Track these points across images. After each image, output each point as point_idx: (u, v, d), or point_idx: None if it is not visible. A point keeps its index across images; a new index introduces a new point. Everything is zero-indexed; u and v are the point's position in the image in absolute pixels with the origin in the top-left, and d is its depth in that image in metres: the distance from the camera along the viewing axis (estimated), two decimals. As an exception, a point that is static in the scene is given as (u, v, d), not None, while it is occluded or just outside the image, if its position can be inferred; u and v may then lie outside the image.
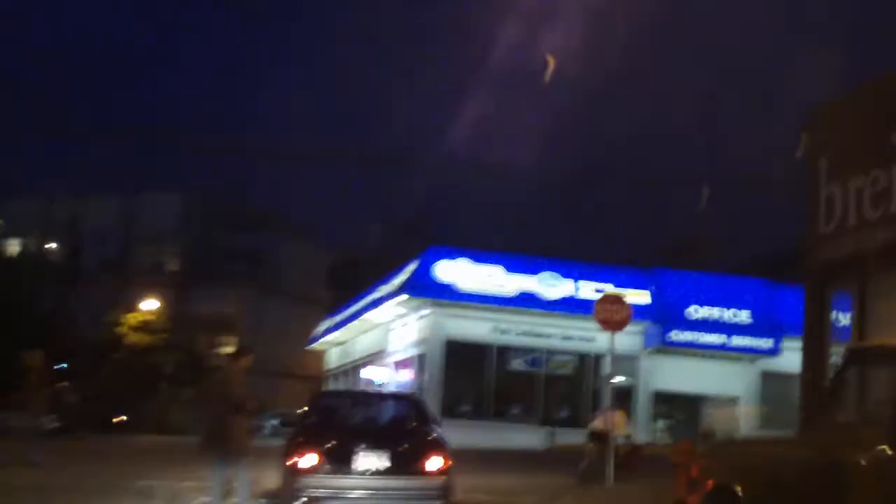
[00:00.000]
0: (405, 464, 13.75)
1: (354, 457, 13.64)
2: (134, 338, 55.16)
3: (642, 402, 42.63)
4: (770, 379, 43.40)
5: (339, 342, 56.73)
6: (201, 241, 64.30)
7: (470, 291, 40.81)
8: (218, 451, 15.17)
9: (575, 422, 41.33)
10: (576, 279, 41.80)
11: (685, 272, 43.96)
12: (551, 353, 42.65)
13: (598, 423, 22.86)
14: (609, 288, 41.62)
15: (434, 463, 13.74)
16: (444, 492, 13.81)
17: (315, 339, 59.90)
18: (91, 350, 55.36)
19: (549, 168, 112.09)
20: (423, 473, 13.70)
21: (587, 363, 42.92)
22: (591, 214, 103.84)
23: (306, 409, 15.52)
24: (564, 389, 43.28)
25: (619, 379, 42.91)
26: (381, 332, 47.45)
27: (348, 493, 13.63)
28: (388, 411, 16.40)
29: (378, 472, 13.61)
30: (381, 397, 18.42)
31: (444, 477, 13.78)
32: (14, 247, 63.12)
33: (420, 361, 42.48)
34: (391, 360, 46.25)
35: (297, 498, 13.61)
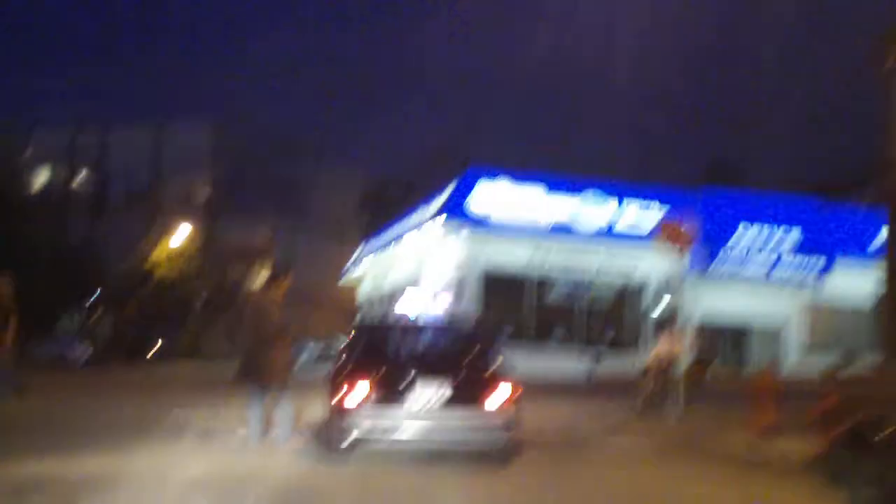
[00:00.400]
0: (466, 396, 12.20)
1: (409, 389, 12.11)
2: (164, 269, 53.81)
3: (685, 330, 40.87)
4: (817, 306, 41.86)
5: (373, 271, 55.19)
6: (231, 170, 62.73)
7: (509, 216, 39.09)
8: (255, 381, 13.72)
9: (617, 351, 39.93)
10: (620, 199, 39.96)
11: (733, 192, 42.13)
12: (592, 281, 40.95)
13: (660, 349, 21.21)
14: (654, 207, 40.10)
15: (499, 394, 12.18)
16: (510, 426, 12.25)
17: (348, 268, 58.41)
18: (122, 282, 54.20)
19: (593, 87, 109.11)
20: (487, 407, 12.15)
21: (630, 292, 41.28)
22: (634, 134, 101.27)
23: (350, 338, 13.91)
24: (606, 317, 41.67)
25: (663, 307, 41.49)
26: (418, 260, 45.76)
27: (403, 430, 12.10)
28: (443, 339, 14.76)
29: (436, 407, 12.06)
30: (434, 324, 16.77)
31: (510, 410, 12.22)
32: (42, 178, 61.74)
33: (457, 290, 40.89)
34: (427, 289, 44.61)
35: (346, 436, 12.10)
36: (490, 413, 12.11)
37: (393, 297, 49.80)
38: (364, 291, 58.38)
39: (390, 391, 12.09)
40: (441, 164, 52.99)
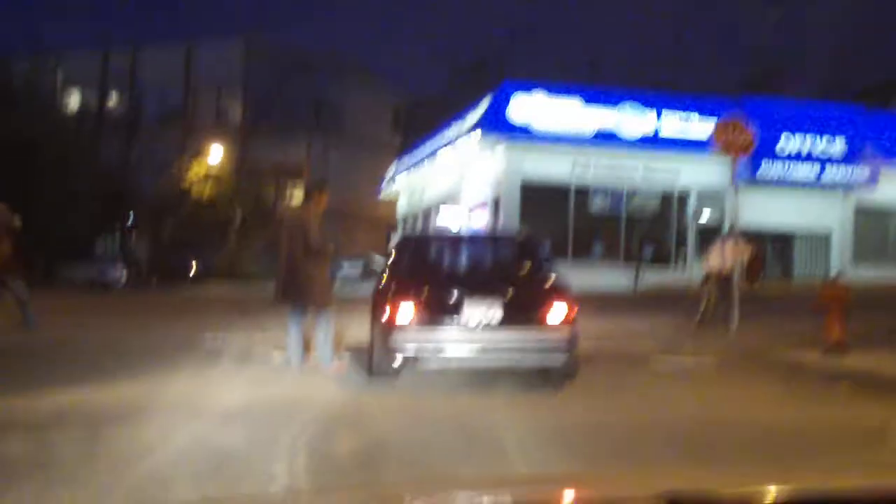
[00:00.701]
0: (522, 313, 11.23)
1: (460, 307, 11.14)
2: (199, 189, 52.91)
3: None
4: (865, 211, 40.58)
5: (410, 185, 54.13)
6: (264, 87, 61.42)
7: (546, 128, 37.81)
8: (294, 300, 12.77)
9: (660, 262, 38.92)
10: (659, 110, 38.65)
11: (775, 100, 40.55)
12: (633, 191, 39.76)
13: (715, 260, 20.07)
14: (695, 118, 38.87)
15: (557, 311, 11.17)
16: (570, 345, 11.28)
17: (384, 185, 57.36)
18: (157, 203, 53.41)
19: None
20: (545, 324, 11.16)
21: (671, 200, 40.10)
22: (672, 42, 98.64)
23: (395, 253, 12.93)
24: (648, 229, 40.56)
25: (706, 216, 40.37)
26: (455, 175, 44.63)
27: (455, 350, 11.15)
28: (493, 253, 13.86)
29: (490, 325, 11.11)
30: (484, 238, 15.80)
31: (568, 327, 11.22)
32: (73, 100, 60.78)
33: (495, 204, 39.84)
34: (465, 203, 43.54)
35: (393, 358, 11.15)
36: (548, 331, 11.16)
37: (430, 213, 48.82)
38: (401, 205, 57.41)
39: (440, 309, 11.18)
40: (475, 80, 51.59)
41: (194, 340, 16.13)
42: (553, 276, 11.82)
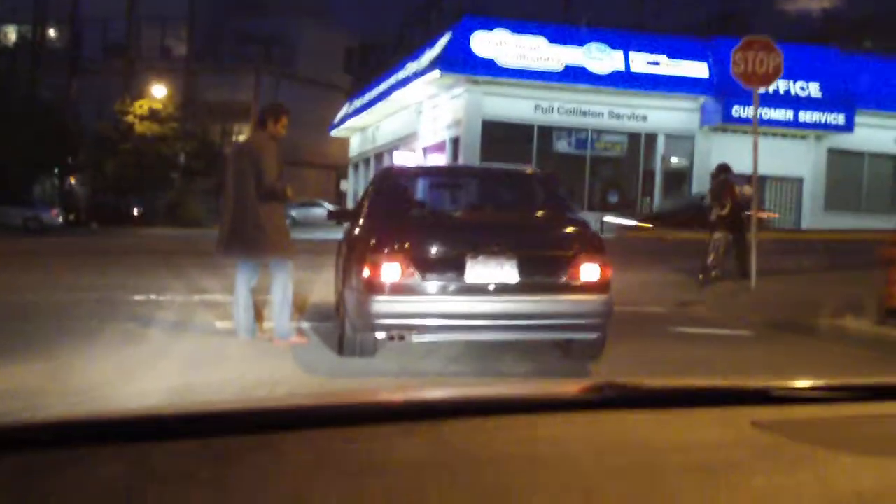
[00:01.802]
0: (545, 273, 8.26)
1: (463, 263, 8.13)
2: (143, 127, 49.17)
3: (699, 185, 37.23)
4: (838, 157, 38.25)
5: (362, 128, 51.14)
6: (211, 23, 57.73)
7: (509, 66, 35.09)
8: (243, 252, 9.76)
9: (624, 207, 36.30)
10: (625, 50, 35.87)
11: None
12: (599, 132, 37.09)
13: (724, 203, 17.12)
14: (663, 60, 36.24)
15: (589, 271, 8.23)
16: (605, 315, 8.36)
17: (336, 126, 54.25)
18: (98, 142, 49.77)
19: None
20: (575, 288, 8.20)
21: (637, 143, 37.42)
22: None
23: (372, 190, 9.88)
24: (613, 172, 37.88)
25: (674, 160, 37.91)
26: (410, 115, 41.71)
27: (457, 321, 8.18)
28: (503, 193, 10.38)
29: (503, 287, 8.13)
30: (489, 173, 12.01)
31: (603, 292, 8.30)
32: (10, 34, 56.69)
33: (454, 145, 37.03)
34: (421, 144, 40.62)
35: (374, 328, 8.19)
36: (579, 297, 8.17)
37: (382, 156, 45.88)
38: (353, 147, 54.42)
39: (437, 265, 8.12)
40: (430, 19, 48.45)
41: (120, 303, 12.92)
42: (581, 224, 8.78)
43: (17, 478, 1.64)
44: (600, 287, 8.18)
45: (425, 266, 8.05)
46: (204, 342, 9.81)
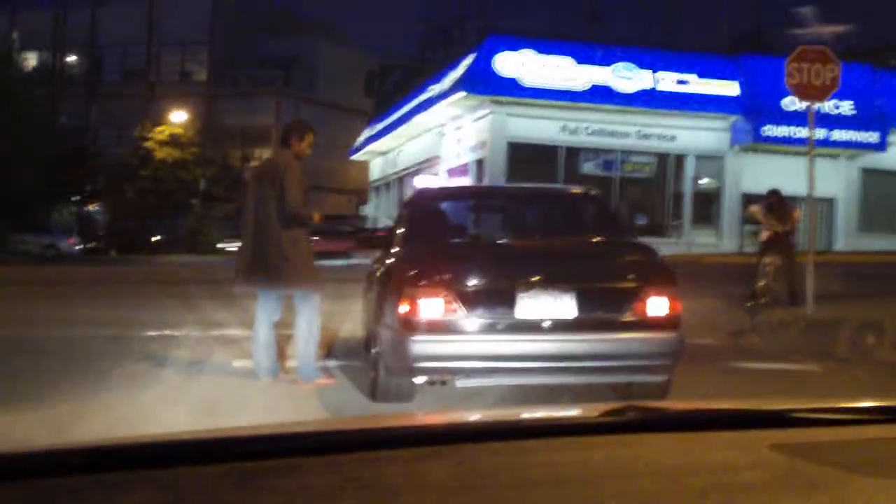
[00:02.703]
0: (606, 308, 7.25)
1: (513, 298, 7.11)
2: (163, 153, 48.45)
3: (729, 207, 36.22)
4: (872, 177, 37.08)
5: (383, 151, 50.20)
6: (231, 47, 57.04)
7: (535, 86, 34.14)
8: (263, 282, 8.77)
9: (654, 230, 35.21)
10: (654, 70, 34.89)
11: (778, 59, 36.73)
12: (627, 153, 36.08)
13: (773, 224, 16.11)
14: (693, 79, 35.29)
15: (657, 306, 7.20)
16: (675, 355, 7.34)
17: (357, 150, 53.34)
18: (117, 168, 49.09)
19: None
20: (641, 325, 7.18)
21: (667, 164, 36.38)
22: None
23: (405, 215, 8.85)
24: (641, 194, 36.83)
25: (704, 181, 36.90)
26: (433, 138, 40.76)
27: (507, 365, 7.17)
28: (548, 216, 9.33)
29: (558, 326, 7.10)
30: (534, 194, 10.48)
31: (673, 329, 7.27)
32: (30, 61, 56.15)
33: (479, 167, 36.04)
34: (444, 167, 39.66)
35: (413, 371, 7.18)
36: (646, 335, 7.15)
37: (404, 180, 44.97)
38: (374, 171, 53.52)
39: (484, 301, 7.11)
40: (452, 41, 47.63)
41: (133, 339, 11.87)
42: (646, 250, 7.75)
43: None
44: (669, 323, 7.17)
45: (470, 301, 7.05)
46: (221, 384, 8.80)
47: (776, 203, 16.34)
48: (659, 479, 1.89)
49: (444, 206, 9.29)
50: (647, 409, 2.28)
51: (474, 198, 10.29)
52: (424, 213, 8.78)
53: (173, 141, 48.91)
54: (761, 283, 15.54)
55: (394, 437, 2.08)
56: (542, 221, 9.08)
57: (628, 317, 7.13)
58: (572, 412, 2.67)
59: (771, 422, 2.30)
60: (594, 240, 8.21)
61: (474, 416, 2.81)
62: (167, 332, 12.54)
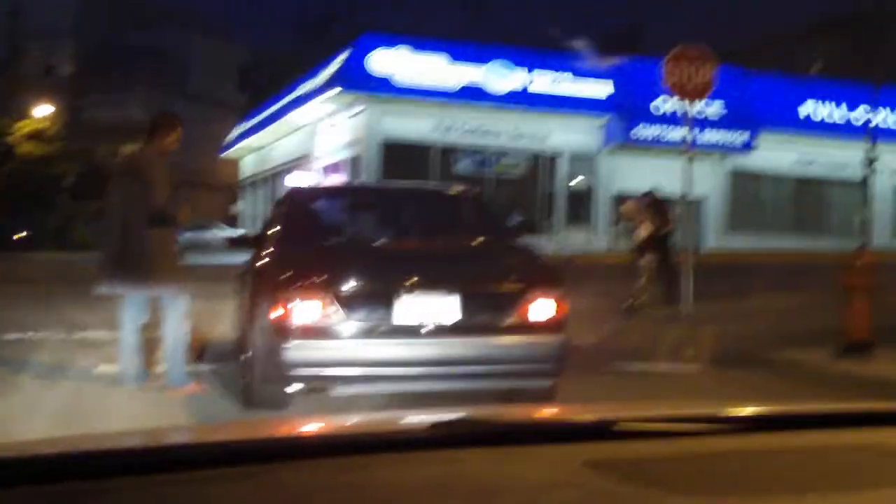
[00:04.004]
0: (489, 311, 7.00)
1: (392, 301, 6.82)
2: (27, 148, 46.90)
3: (601, 206, 36.53)
4: (740, 178, 37.89)
5: (255, 148, 49.45)
6: (99, 38, 55.64)
7: (410, 84, 33.89)
8: (129, 282, 8.29)
9: (528, 229, 35.16)
10: (529, 68, 34.93)
11: (652, 60, 37.12)
12: (501, 153, 36.08)
13: (649, 223, 16.16)
14: (567, 77, 35.46)
15: (541, 308, 6.99)
16: (560, 360, 7.14)
17: (228, 146, 52.46)
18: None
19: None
20: (525, 328, 6.96)
21: (541, 164, 36.53)
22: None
23: (280, 213, 8.48)
24: (515, 194, 36.87)
25: (577, 180, 37.14)
26: (306, 135, 40.29)
27: (386, 372, 6.88)
28: (427, 217, 8.98)
29: (439, 331, 6.83)
30: (415, 193, 10.30)
31: (558, 333, 7.07)
32: None
33: (353, 165, 35.70)
34: (318, 165, 39.20)
35: (287, 378, 6.85)
36: (530, 339, 6.94)
37: (277, 177, 44.30)
38: (246, 167, 52.68)
39: (362, 304, 6.81)
40: (326, 37, 47.29)
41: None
42: (531, 252, 7.54)
43: None
44: (554, 326, 6.97)
45: (347, 304, 6.74)
46: (84, 391, 8.31)
47: (653, 203, 16.35)
48: (471, 497, 1.83)
49: (320, 205, 9.00)
50: (478, 421, 2.19)
51: (351, 197, 9.96)
52: (299, 212, 8.44)
53: (38, 135, 47.37)
54: (640, 283, 15.53)
55: (183, 457, 1.94)
56: (422, 222, 8.79)
57: (512, 320, 6.91)
58: (404, 424, 2.50)
59: (593, 434, 2.20)
60: (476, 241, 7.97)
61: (295, 428, 2.70)
62: (26, 335, 11.90)
